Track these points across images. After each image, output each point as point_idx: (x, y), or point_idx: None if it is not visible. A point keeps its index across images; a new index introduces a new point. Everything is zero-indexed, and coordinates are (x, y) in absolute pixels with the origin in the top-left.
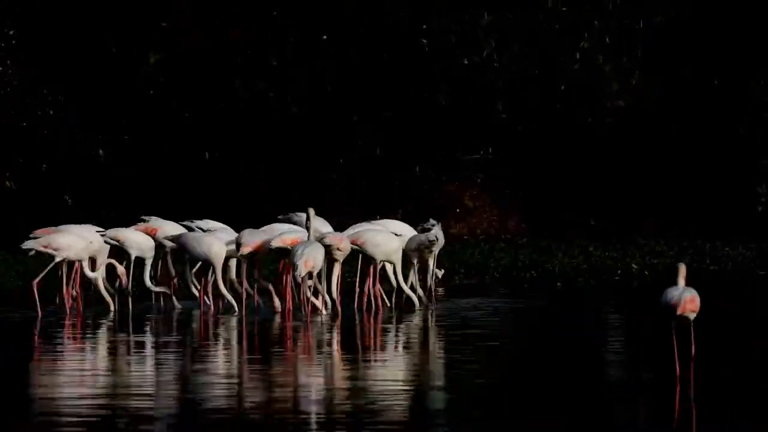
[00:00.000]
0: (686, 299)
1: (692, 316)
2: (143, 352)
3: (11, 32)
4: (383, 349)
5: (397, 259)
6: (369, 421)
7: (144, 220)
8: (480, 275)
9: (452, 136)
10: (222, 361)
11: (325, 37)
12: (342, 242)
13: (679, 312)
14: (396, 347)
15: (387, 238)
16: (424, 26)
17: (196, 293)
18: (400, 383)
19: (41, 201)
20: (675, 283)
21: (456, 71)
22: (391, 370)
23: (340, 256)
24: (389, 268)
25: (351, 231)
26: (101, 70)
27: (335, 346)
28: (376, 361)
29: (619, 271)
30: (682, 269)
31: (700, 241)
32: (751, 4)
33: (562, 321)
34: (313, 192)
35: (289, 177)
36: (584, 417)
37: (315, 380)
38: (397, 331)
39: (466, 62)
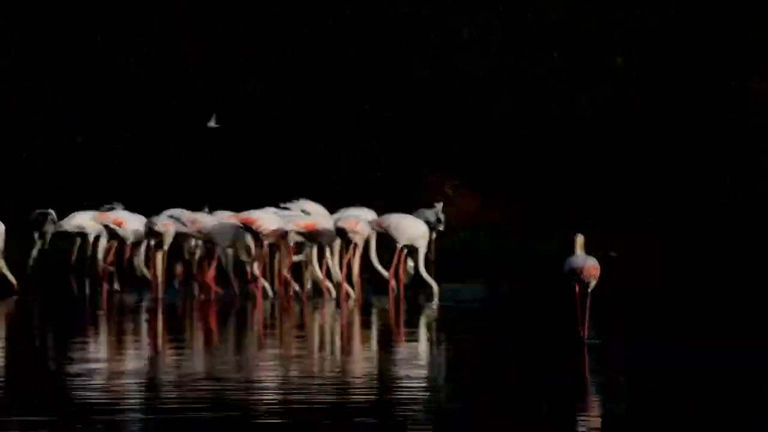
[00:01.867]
0: (589, 265)
1: (593, 282)
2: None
3: (8, 27)
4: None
5: (423, 244)
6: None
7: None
8: (461, 264)
9: (438, 129)
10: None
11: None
12: (357, 225)
13: (584, 276)
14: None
15: (413, 223)
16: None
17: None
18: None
19: (38, 195)
20: (573, 253)
21: (443, 64)
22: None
23: (359, 239)
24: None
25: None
26: (100, 68)
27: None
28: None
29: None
30: (580, 239)
31: (691, 235)
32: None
33: (535, 305)
34: (311, 189)
35: (287, 174)
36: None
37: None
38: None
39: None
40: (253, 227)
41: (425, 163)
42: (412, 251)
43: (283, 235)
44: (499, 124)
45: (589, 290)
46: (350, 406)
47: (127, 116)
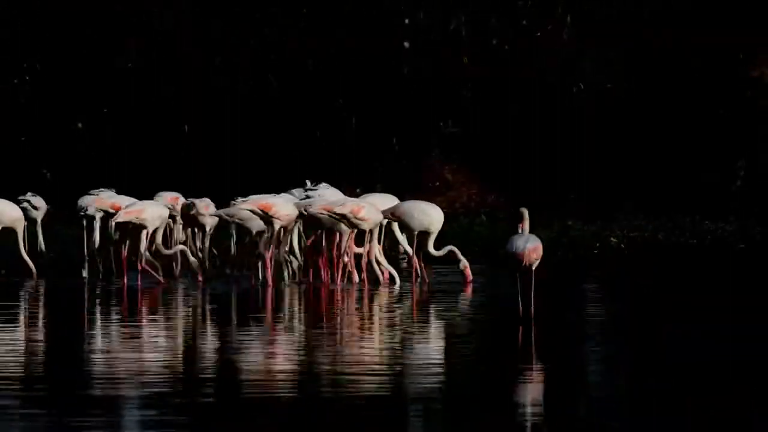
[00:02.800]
0: (529, 249)
1: (535, 264)
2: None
3: None
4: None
5: (436, 230)
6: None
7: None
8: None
9: (430, 111)
10: None
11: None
12: (361, 211)
13: (525, 263)
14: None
15: (426, 209)
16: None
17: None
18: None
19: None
20: (517, 229)
21: (432, 46)
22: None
23: (365, 225)
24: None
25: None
26: (99, 68)
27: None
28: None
29: (597, 244)
30: (525, 213)
31: (679, 215)
32: None
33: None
34: (310, 177)
35: (287, 162)
36: None
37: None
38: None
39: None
40: (269, 213)
41: (424, 148)
42: (424, 236)
43: (297, 221)
44: (498, 111)
45: (533, 269)
46: (341, 399)
47: (127, 115)
